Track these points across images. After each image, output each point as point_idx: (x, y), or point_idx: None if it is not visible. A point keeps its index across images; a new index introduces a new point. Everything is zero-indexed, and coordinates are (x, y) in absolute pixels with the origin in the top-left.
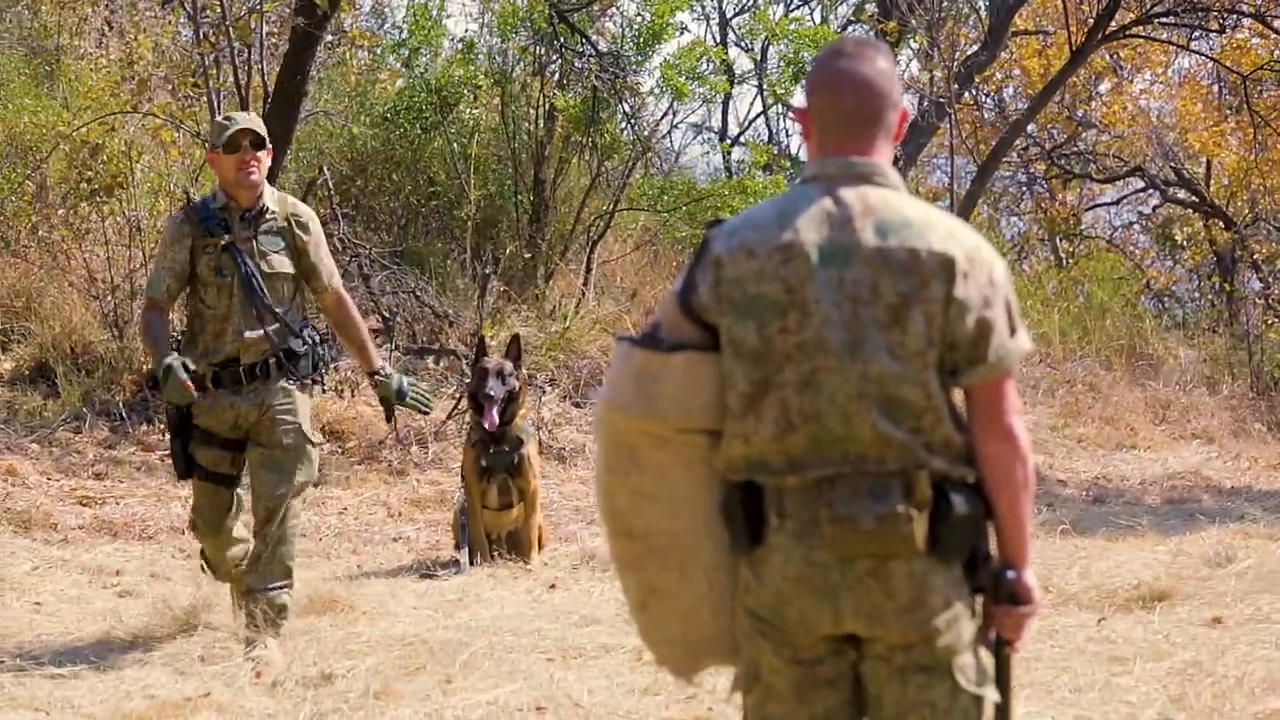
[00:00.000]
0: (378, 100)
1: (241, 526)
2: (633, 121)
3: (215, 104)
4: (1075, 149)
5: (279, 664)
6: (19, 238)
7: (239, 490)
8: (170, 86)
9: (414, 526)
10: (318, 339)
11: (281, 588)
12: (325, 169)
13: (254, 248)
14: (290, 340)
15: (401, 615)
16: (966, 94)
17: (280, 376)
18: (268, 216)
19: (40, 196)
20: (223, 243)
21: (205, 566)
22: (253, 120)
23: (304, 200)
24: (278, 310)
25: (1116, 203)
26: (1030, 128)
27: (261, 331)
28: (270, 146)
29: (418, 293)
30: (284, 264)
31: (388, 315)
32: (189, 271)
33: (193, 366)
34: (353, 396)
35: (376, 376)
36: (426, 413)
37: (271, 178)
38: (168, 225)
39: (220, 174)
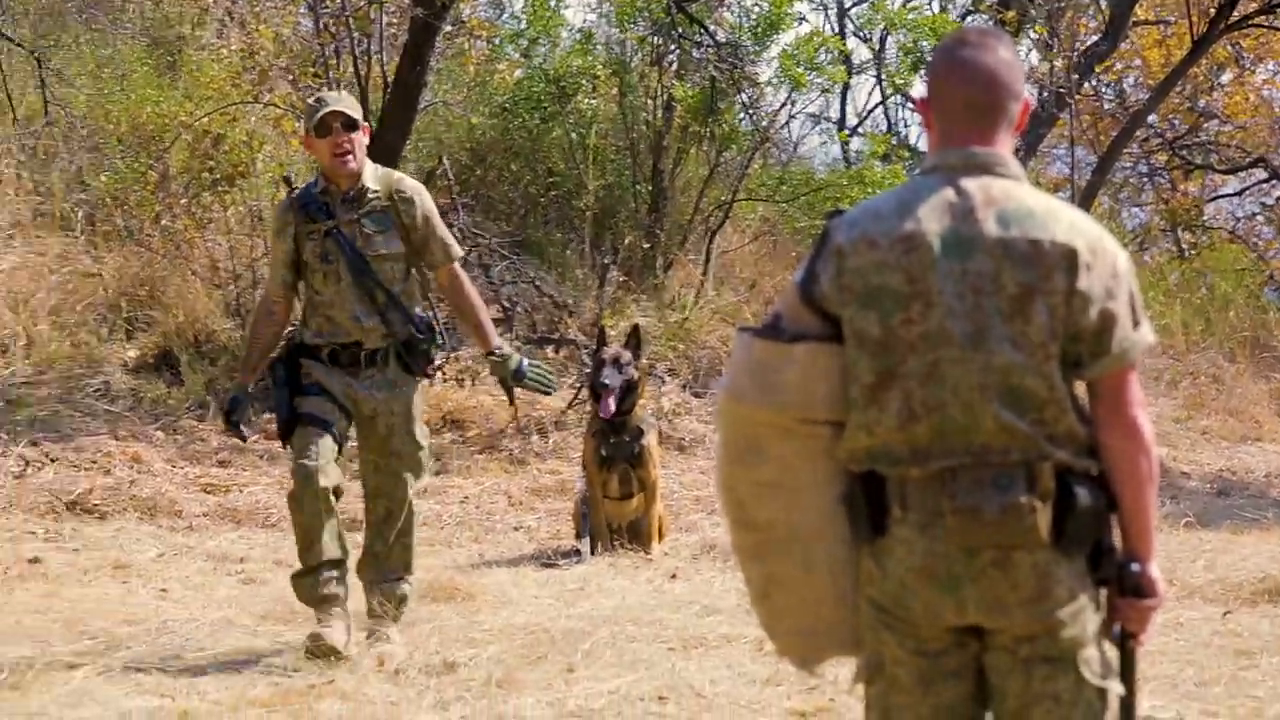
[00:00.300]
0: (496, 90)
1: (338, 490)
2: (751, 112)
3: None
4: (1197, 139)
5: (401, 654)
6: (142, 227)
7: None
8: (291, 77)
9: (535, 516)
10: (438, 326)
11: (401, 579)
12: (445, 159)
13: (358, 230)
14: (407, 327)
15: (523, 604)
16: (1086, 84)
17: (398, 367)
18: (369, 197)
19: (163, 186)
20: (326, 228)
21: (302, 548)
22: (343, 100)
23: None
24: (391, 293)
25: (1239, 194)
26: (1151, 118)
27: (378, 318)
28: (367, 125)
29: (537, 282)
30: (392, 245)
31: (508, 305)
32: (297, 259)
33: (246, 427)
34: (473, 385)
35: (493, 356)
36: (548, 393)
37: (391, 167)
38: (274, 215)
39: (318, 158)
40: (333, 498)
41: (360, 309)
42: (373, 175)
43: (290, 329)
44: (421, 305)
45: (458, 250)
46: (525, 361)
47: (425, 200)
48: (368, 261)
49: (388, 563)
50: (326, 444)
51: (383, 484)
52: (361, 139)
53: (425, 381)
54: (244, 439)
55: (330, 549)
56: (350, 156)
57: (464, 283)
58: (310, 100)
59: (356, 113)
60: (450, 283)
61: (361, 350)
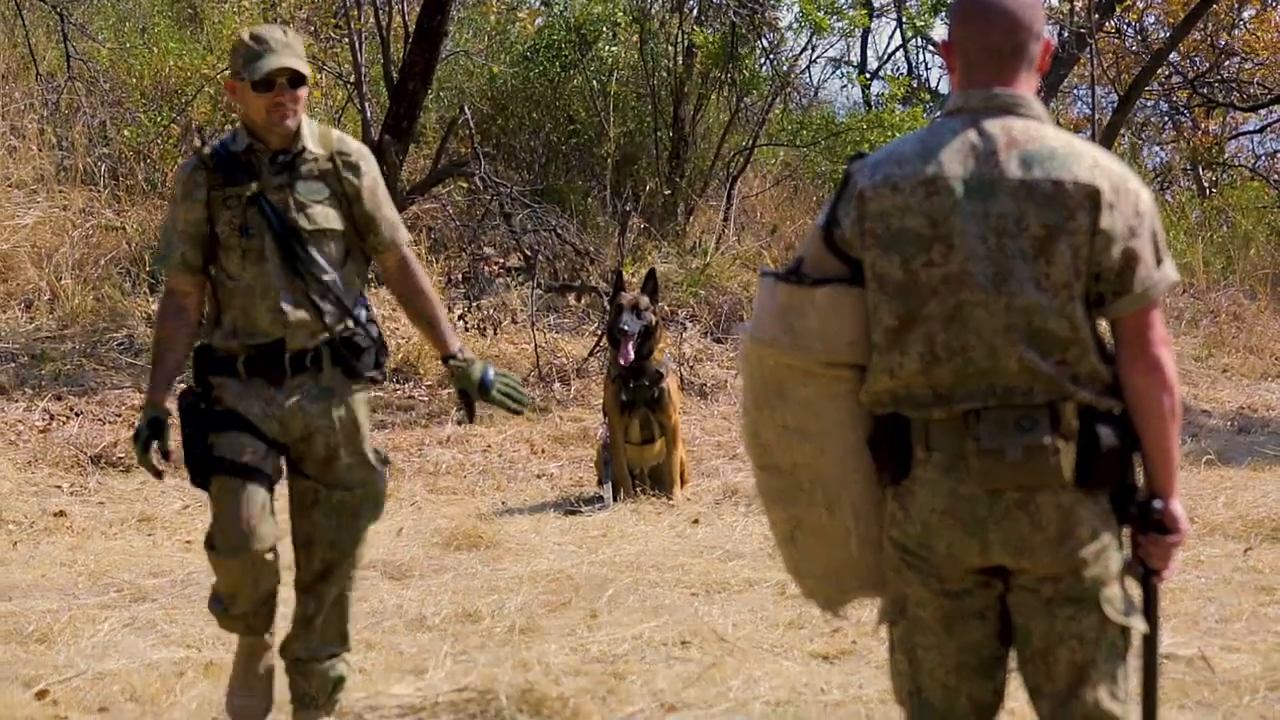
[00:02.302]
0: (517, 39)
1: (276, 549)
2: (771, 57)
3: (358, 45)
4: (1218, 77)
5: None
6: (165, 180)
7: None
8: (312, 28)
9: (557, 463)
10: (376, 321)
11: (338, 656)
12: (466, 108)
13: (289, 198)
14: (345, 320)
15: (546, 551)
16: (1107, 23)
17: (335, 372)
18: (306, 158)
19: (185, 139)
20: (249, 193)
21: (219, 606)
22: (291, 47)
23: (445, 140)
24: (326, 278)
25: (1260, 130)
26: (1172, 56)
27: (309, 309)
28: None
29: (559, 230)
30: (330, 217)
31: (529, 253)
32: (208, 235)
33: (170, 444)
34: (495, 334)
35: (453, 362)
36: (519, 412)
37: (412, 118)
38: (175, 177)
39: (244, 110)
40: (270, 556)
41: (287, 298)
42: (310, 133)
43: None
44: (359, 294)
45: (406, 233)
46: (491, 371)
47: (373, 166)
48: (301, 236)
49: (323, 633)
50: (255, 498)
51: (321, 527)
52: (305, 96)
53: (370, 390)
54: (159, 475)
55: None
56: (291, 118)
57: (416, 270)
58: (246, 38)
59: (306, 66)
60: (399, 270)
61: (285, 352)
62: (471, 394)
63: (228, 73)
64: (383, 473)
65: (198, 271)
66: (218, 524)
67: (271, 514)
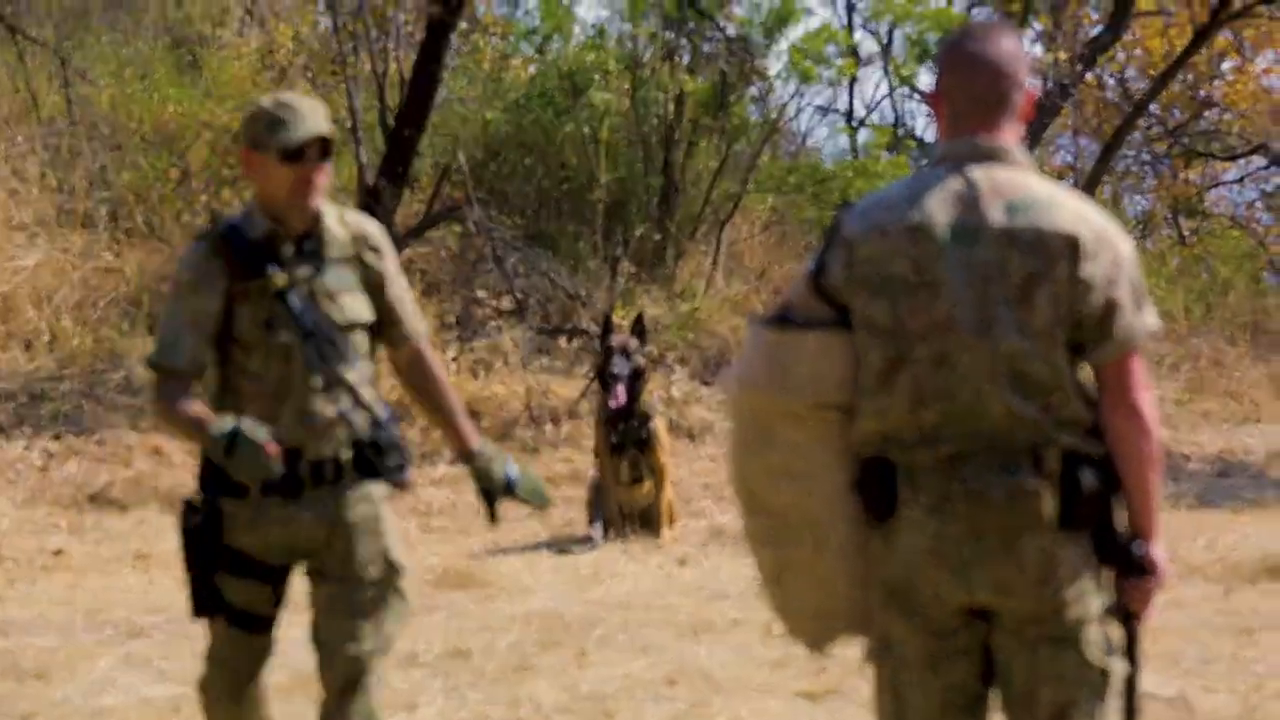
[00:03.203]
0: (510, 86)
1: (267, 696)
2: (760, 104)
3: (354, 91)
4: (1198, 128)
5: None
6: (164, 224)
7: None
8: (309, 75)
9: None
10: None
11: None
12: (460, 154)
13: (318, 289)
14: (373, 424)
15: (537, 590)
16: (1089, 75)
17: (362, 477)
18: (329, 241)
19: (184, 183)
20: (276, 286)
21: None
22: (319, 112)
23: (439, 185)
24: (353, 377)
25: (1240, 181)
26: (1153, 107)
27: (338, 411)
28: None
29: (550, 274)
30: (360, 308)
31: (521, 296)
32: (223, 331)
33: (264, 432)
34: (486, 376)
35: (476, 461)
36: (543, 508)
37: (407, 163)
38: (184, 261)
39: (263, 186)
40: (265, 711)
41: (314, 400)
42: (331, 213)
43: None
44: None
45: (423, 323)
46: (513, 468)
47: (392, 248)
48: (332, 332)
49: None
50: (258, 654)
51: (343, 634)
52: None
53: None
54: (280, 469)
55: None
56: (317, 193)
57: (433, 362)
58: (268, 105)
59: (332, 133)
60: (416, 363)
61: (302, 461)
62: (496, 494)
63: (244, 141)
64: (407, 575)
65: (204, 368)
66: (215, 671)
67: (266, 665)
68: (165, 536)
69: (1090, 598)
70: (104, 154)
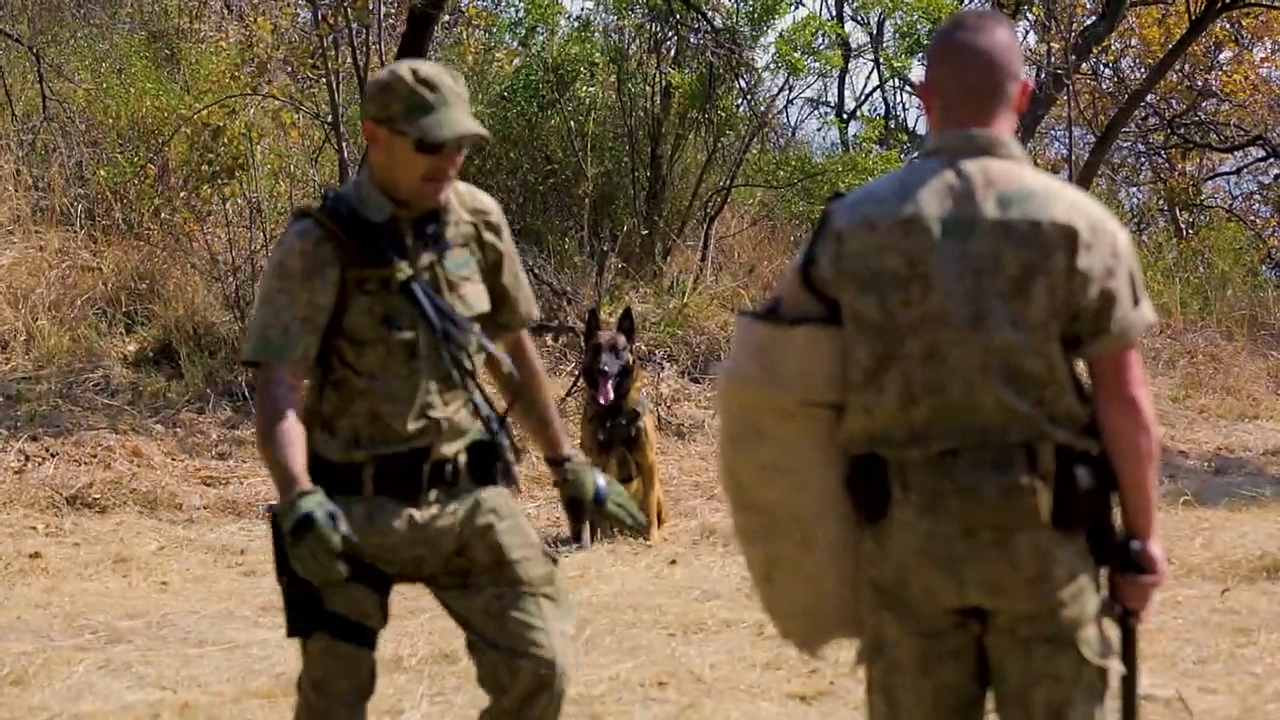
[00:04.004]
0: (495, 79)
1: None
2: (748, 97)
3: (335, 85)
4: (1195, 119)
5: None
6: (142, 221)
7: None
8: (289, 69)
9: (534, 504)
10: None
11: None
12: None
13: (441, 278)
14: (486, 420)
15: None
16: (1084, 65)
17: (469, 480)
18: (451, 222)
19: (162, 179)
20: (399, 277)
21: None
22: (464, 98)
23: None
24: (473, 372)
25: (1237, 172)
26: (1149, 97)
27: (459, 410)
28: None
29: (536, 270)
30: (481, 298)
31: None
32: (333, 323)
33: (344, 527)
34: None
35: (566, 468)
36: (634, 527)
37: None
38: (290, 245)
39: (388, 167)
40: None
41: (438, 401)
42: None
43: None
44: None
45: (536, 308)
46: (602, 478)
47: (507, 225)
48: (460, 328)
49: None
50: (365, 669)
51: (523, 638)
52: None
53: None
54: (341, 578)
55: None
56: (449, 184)
57: (533, 354)
58: (409, 78)
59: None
60: (515, 353)
61: (426, 462)
62: (585, 506)
63: (371, 112)
64: (559, 572)
65: (311, 364)
66: (317, 699)
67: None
68: (145, 539)
69: (1086, 597)
70: (80, 150)
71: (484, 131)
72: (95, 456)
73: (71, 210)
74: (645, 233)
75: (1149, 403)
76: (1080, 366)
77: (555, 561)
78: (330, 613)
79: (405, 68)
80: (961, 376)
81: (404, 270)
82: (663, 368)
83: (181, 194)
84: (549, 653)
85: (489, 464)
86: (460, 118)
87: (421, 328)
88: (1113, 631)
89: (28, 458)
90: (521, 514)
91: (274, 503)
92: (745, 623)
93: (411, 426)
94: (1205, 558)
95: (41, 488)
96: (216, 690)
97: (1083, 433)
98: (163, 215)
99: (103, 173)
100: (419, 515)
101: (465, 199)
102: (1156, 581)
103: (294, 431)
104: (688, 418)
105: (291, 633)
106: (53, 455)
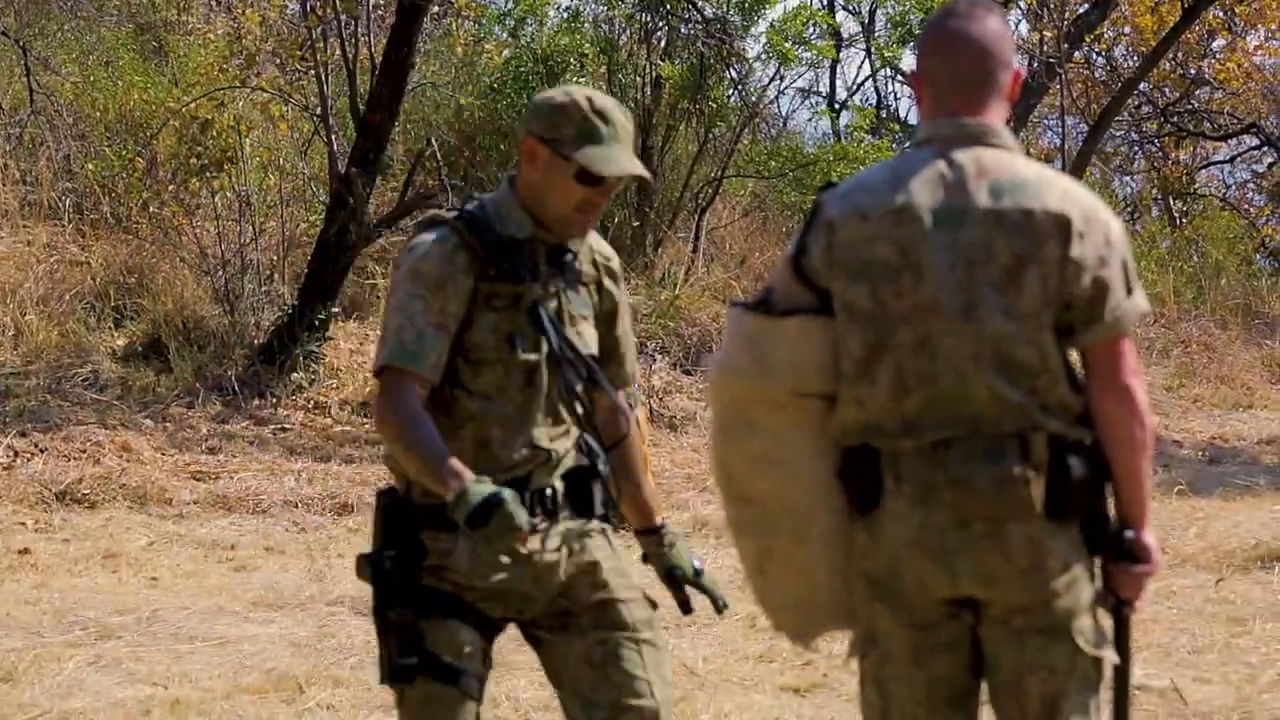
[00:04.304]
0: (484, 71)
1: None
2: (739, 87)
3: (324, 77)
4: (1188, 107)
5: None
6: (130, 214)
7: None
8: (278, 61)
9: None
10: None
11: None
12: (433, 140)
13: (564, 308)
14: (591, 453)
15: None
16: (1077, 53)
17: (592, 510)
18: (576, 261)
19: (151, 172)
20: (528, 297)
21: None
22: (630, 141)
23: (412, 173)
24: (580, 408)
25: (1230, 161)
26: (1142, 86)
27: (570, 440)
28: None
29: None
30: (594, 342)
31: None
32: (461, 334)
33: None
34: None
35: (663, 533)
36: (721, 610)
37: (379, 150)
38: (426, 251)
39: (540, 188)
40: None
41: (544, 431)
42: None
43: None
44: None
45: (637, 369)
46: (695, 555)
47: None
48: (578, 359)
49: None
50: (470, 716)
51: (628, 689)
52: None
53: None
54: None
55: None
56: (598, 215)
57: (640, 417)
58: (585, 104)
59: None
60: (616, 415)
61: (525, 490)
62: (685, 577)
63: (537, 130)
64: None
65: (442, 373)
66: None
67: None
68: (135, 534)
69: (1080, 587)
70: (68, 144)
71: (646, 174)
72: (84, 452)
73: (59, 204)
74: (636, 224)
75: (1143, 392)
76: (1074, 356)
77: (655, 606)
78: (431, 654)
79: (582, 94)
80: (954, 366)
81: (535, 291)
82: (654, 359)
83: (170, 187)
84: (653, 704)
85: (588, 492)
86: (626, 156)
87: (543, 353)
88: (1107, 622)
89: (16, 453)
90: (624, 553)
91: (367, 550)
92: (738, 615)
93: (516, 455)
94: (1199, 547)
95: (30, 483)
96: (207, 686)
97: (1076, 422)
98: (151, 209)
99: (91, 166)
100: (523, 548)
101: (591, 241)
102: (1151, 571)
103: (434, 429)
104: (680, 410)
105: (393, 678)
106: (42, 451)
